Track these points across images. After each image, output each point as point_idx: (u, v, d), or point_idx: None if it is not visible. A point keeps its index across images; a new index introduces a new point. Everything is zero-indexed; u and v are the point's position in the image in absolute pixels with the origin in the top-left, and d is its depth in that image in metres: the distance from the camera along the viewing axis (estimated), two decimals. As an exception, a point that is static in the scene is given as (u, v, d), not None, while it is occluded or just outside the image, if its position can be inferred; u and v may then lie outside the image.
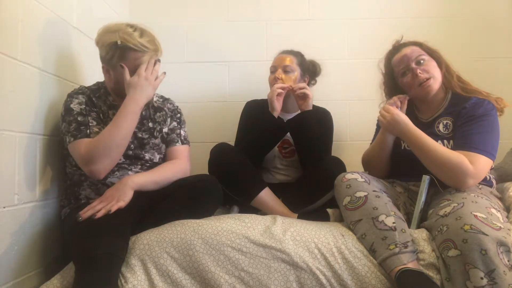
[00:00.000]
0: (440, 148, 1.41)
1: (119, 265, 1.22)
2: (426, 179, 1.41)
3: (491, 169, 1.53)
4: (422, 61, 1.55)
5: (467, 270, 1.10)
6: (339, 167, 1.64)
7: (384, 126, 1.52)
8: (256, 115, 1.86)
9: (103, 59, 1.50)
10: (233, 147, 1.77)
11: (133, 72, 1.45)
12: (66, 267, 1.30)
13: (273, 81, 1.86)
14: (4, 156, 1.28)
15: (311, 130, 1.74)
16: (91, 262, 1.15)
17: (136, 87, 1.43)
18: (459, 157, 1.37)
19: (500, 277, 1.08)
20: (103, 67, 1.52)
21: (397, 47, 1.63)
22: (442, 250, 1.19)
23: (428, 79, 1.53)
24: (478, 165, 1.37)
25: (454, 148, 1.45)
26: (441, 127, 1.54)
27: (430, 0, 2.21)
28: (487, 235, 1.11)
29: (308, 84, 1.94)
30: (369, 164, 1.69)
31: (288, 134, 1.84)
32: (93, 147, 1.37)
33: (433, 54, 1.57)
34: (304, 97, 1.77)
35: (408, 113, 1.57)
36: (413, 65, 1.55)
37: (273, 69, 1.90)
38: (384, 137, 1.59)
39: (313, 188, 1.67)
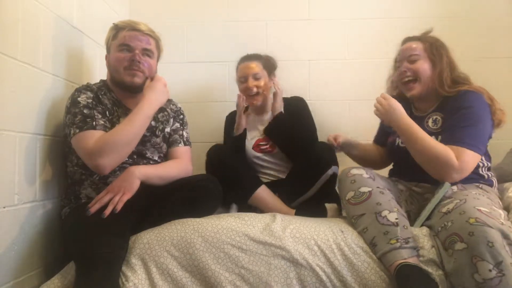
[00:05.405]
0: (429, 140, 1.40)
1: (120, 264, 1.23)
2: (447, 186, 1.39)
3: (487, 168, 1.53)
4: (414, 60, 1.54)
5: (475, 263, 1.10)
6: (327, 152, 1.69)
7: (380, 112, 1.50)
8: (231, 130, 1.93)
9: (106, 48, 1.60)
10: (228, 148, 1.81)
11: (121, 49, 1.50)
12: (66, 266, 1.31)
13: (246, 90, 1.86)
14: (4, 156, 1.28)
15: (287, 134, 1.79)
16: (92, 261, 1.16)
17: (155, 90, 1.49)
18: (446, 151, 1.36)
19: (508, 268, 1.08)
20: (106, 57, 1.59)
21: (406, 39, 1.62)
22: (448, 244, 1.18)
23: (411, 80, 1.54)
24: (464, 159, 1.36)
25: (442, 142, 1.44)
26: (430, 122, 1.54)
27: (431, 0, 2.21)
28: (492, 227, 1.11)
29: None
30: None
31: (259, 134, 1.90)
32: (103, 141, 1.36)
33: (433, 57, 1.54)
34: (275, 95, 1.83)
35: (405, 109, 1.58)
36: (405, 62, 1.55)
37: (244, 80, 1.88)
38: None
39: (305, 177, 1.69)
